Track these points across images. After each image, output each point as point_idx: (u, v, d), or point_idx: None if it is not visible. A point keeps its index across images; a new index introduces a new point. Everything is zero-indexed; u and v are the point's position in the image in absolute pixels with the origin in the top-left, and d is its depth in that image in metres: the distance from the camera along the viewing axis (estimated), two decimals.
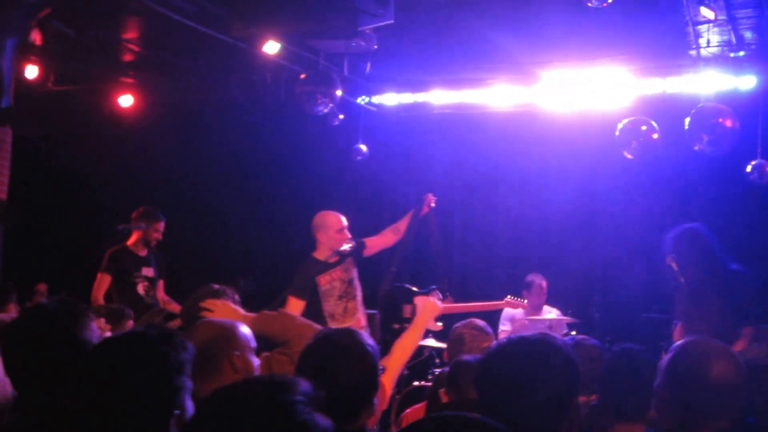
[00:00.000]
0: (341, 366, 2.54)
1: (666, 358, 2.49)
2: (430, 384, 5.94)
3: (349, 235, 6.06)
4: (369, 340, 2.71)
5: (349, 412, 2.54)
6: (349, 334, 2.70)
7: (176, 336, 2.11)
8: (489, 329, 4.23)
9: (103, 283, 6.89)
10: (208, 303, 3.67)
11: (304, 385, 1.47)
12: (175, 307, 6.64)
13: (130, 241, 7.05)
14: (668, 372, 2.44)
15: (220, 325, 2.94)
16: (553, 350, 2.04)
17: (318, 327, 3.49)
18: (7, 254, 6.32)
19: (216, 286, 3.84)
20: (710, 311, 5.37)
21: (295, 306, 5.72)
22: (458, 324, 4.32)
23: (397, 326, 6.41)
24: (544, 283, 7.58)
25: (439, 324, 6.16)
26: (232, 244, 8.90)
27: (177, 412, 2.02)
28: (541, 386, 1.97)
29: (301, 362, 2.65)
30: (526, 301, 7.25)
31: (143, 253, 7.08)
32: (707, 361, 2.39)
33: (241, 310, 3.73)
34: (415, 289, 6.50)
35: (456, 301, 6.69)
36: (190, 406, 2.07)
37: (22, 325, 2.53)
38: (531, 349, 2.04)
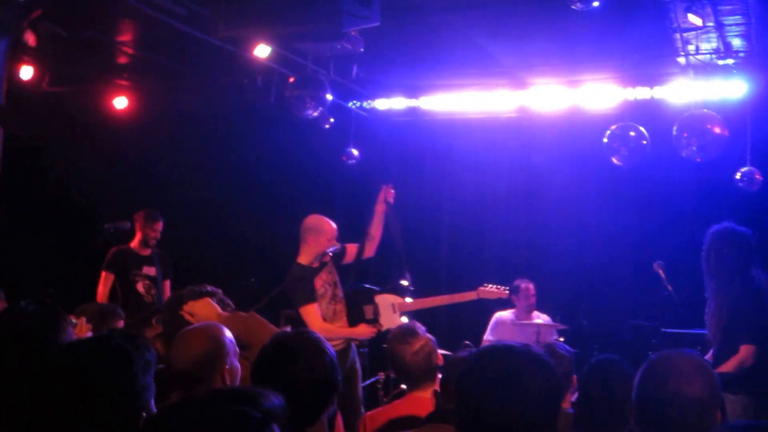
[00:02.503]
0: (297, 369, 2.50)
1: (638, 372, 2.39)
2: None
3: (337, 244, 6.08)
4: (325, 341, 2.66)
5: (307, 416, 2.50)
6: (303, 336, 2.66)
7: (140, 337, 2.14)
8: (416, 328, 3.83)
9: (106, 280, 7.14)
10: (189, 307, 3.70)
11: (272, 398, 1.44)
12: None
13: (133, 242, 7.29)
14: (638, 387, 2.34)
15: (209, 335, 2.87)
16: (528, 361, 1.91)
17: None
18: None
19: (208, 288, 3.85)
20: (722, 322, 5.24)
21: (314, 312, 5.72)
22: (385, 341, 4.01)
23: None
24: (531, 286, 7.55)
25: (404, 319, 6.11)
26: (225, 246, 8.93)
27: (144, 414, 2.02)
28: (522, 404, 1.86)
29: (257, 365, 2.62)
30: (506, 290, 7.00)
31: (146, 252, 7.27)
32: (676, 377, 2.27)
33: (218, 308, 3.74)
34: (375, 288, 6.43)
35: None
36: (154, 407, 2.09)
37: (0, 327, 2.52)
38: (505, 364, 1.91)
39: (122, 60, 8.09)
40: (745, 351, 5.07)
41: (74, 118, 8.52)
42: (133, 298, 7.10)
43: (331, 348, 2.66)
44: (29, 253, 8.29)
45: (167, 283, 7.30)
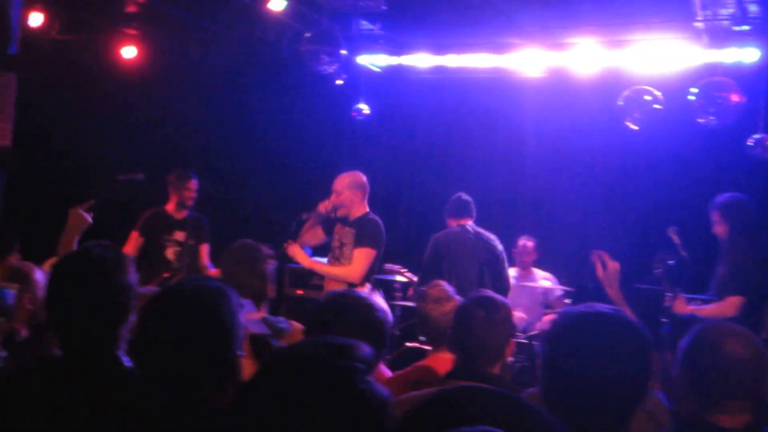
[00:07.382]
0: (351, 327, 2.54)
1: (682, 342, 2.51)
2: (421, 345, 5.97)
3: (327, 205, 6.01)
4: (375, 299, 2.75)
5: None
6: (354, 294, 2.75)
7: (225, 282, 2.13)
8: (447, 289, 3.90)
9: (130, 240, 6.85)
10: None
11: (365, 349, 1.43)
12: (211, 273, 6.52)
13: (169, 205, 7.00)
14: (684, 355, 2.46)
15: None
16: (620, 325, 1.91)
17: None
18: (7, 202, 6.32)
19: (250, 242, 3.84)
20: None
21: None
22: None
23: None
24: (528, 244, 7.67)
25: None
26: (232, 199, 8.93)
27: (241, 353, 2.01)
28: (616, 368, 1.85)
29: (311, 323, 2.72)
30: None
31: (180, 215, 6.97)
32: (720, 341, 2.41)
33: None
34: None
35: None
36: None
37: (69, 267, 2.48)
38: (598, 328, 1.90)
39: (132, 9, 8.01)
40: (729, 300, 5.22)
41: (83, 66, 8.43)
42: (160, 263, 6.81)
43: (381, 305, 2.74)
44: (37, 204, 8.26)
45: (203, 248, 6.95)
